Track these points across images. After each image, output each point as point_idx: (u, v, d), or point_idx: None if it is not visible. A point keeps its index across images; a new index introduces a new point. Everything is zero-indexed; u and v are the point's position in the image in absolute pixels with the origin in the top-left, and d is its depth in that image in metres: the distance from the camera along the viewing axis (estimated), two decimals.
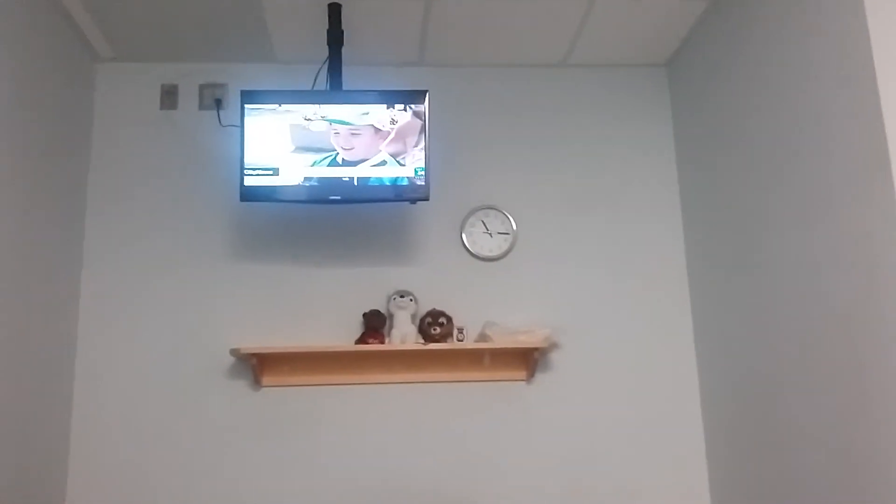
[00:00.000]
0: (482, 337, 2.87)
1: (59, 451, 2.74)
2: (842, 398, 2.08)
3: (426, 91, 2.75)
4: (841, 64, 2.06)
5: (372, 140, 2.71)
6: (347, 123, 2.71)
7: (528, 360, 2.92)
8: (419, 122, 2.73)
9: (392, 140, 2.72)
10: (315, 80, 2.90)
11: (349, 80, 2.90)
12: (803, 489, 2.27)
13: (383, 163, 2.70)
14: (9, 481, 2.38)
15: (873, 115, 1.91)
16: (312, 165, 2.69)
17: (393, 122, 2.72)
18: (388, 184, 2.71)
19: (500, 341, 2.82)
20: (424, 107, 2.74)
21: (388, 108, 2.72)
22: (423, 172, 2.72)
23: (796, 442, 2.31)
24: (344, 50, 2.87)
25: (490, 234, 3.07)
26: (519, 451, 2.91)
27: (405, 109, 2.73)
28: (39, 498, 2.58)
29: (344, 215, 3.04)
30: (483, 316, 2.96)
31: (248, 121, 2.70)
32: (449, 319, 2.88)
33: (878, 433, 1.93)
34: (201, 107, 3.10)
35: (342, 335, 2.93)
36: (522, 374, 2.96)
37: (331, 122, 2.70)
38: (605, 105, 3.22)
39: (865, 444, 1.98)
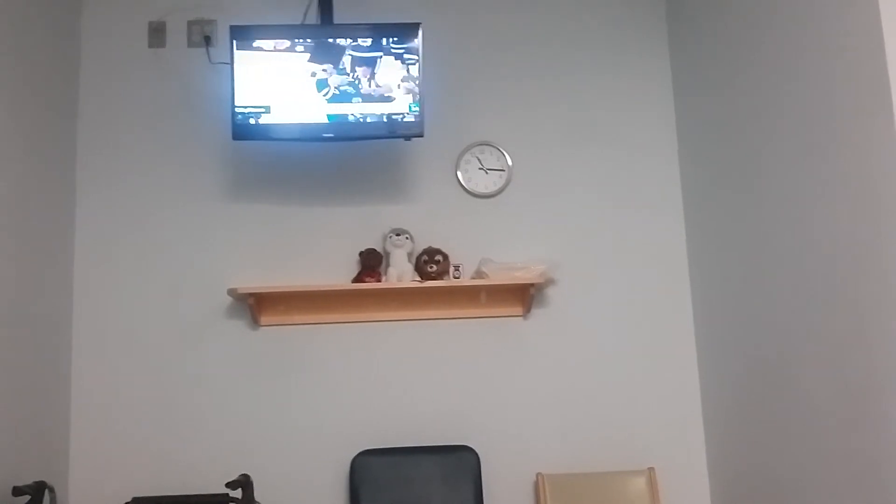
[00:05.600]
0: (478, 274, 2.88)
1: (60, 391, 2.77)
2: (839, 331, 2.10)
3: (419, 24, 2.70)
4: None
5: (365, 75, 2.66)
6: (340, 58, 2.66)
7: (524, 296, 2.93)
8: (412, 56, 2.68)
9: (385, 75, 2.67)
10: (305, 13, 2.84)
11: (340, 13, 2.85)
12: (796, 417, 2.31)
13: (377, 99, 2.67)
14: (13, 420, 2.42)
15: (875, 46, 1.88)
16: (305, 103, 2.65)
17: (386, 55, 2.67)
18: (381, 120, 2.67)
19: (496, 278, 2.83)
20: (417, 40, 2.68)
21: (380, 41, 2.67)
22: (417, 108, 2.69)
23: (791, 374, 2.33)
24: None
25: (485, 170, 3.04)
26: (516, 385, 2.94)
27: (398, 43, 2.68)
28: (43, 435, 2.62)
29: (338, 153, 3.01)
30: (479, 253, 2.97)
31: (238, 57, 2.65)
32: (445, 257, 2.89)
33: (873, 352, 1.95)
34: (190, 44, 3.04)
35: (339, 274, 2.94)
36: (519, 309, 2.97)
37: (322, 56, 2.65)
38: (602, 37, 3.16)
39: (862, 365, 2.01)
